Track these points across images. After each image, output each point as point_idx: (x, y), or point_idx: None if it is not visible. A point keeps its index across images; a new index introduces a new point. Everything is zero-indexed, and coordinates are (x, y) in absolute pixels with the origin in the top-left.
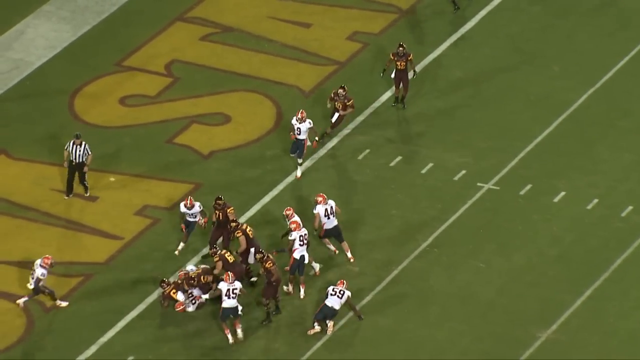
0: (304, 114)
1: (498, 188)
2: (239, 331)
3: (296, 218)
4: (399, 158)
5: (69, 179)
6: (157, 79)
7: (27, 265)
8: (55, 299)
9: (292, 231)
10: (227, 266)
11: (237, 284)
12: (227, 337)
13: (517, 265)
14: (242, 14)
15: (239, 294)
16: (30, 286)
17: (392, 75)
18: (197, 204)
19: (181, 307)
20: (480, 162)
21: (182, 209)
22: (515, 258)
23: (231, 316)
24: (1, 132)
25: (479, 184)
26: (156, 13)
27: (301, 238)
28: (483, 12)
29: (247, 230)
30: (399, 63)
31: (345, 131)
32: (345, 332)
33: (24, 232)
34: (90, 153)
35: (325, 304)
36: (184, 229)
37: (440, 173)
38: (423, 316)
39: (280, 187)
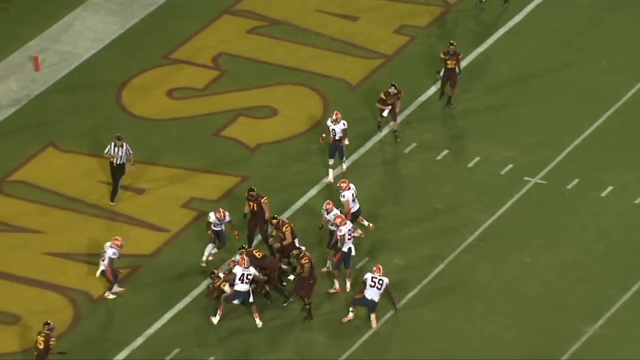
0: (339, 115)
1: (545, 182)
2: (258, 320)
3: (337, 212)
4: (445, 152)
5: (115, 185)
6: (205, 71)
7: (74, 257)
8: (110, 289)
9: (339, 226)
10: (256, 262)
11: (252, 270)
12: (214, 317)
13: (563, 260)
14: (289, 7)
15: (252, 280)
16: (100, 270)
17: (441, 74)
18: (227, 214)
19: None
20: (527, 156)
21: (212, 218)
22: (562, 253)
23: (237, 301)
24: (49, 125)
25: (525, 178)
26: (204, 6)
27: (349, 232)
28: (531, 6)
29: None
30: (449, 62)
31: (392, 124)
32: (390, 325)
33: (71, 224)
34: (131, 152)
35: (364, 296)
36: (212, 235)
37: (487, 167)
38: (469, 310)
39: (326, 180)
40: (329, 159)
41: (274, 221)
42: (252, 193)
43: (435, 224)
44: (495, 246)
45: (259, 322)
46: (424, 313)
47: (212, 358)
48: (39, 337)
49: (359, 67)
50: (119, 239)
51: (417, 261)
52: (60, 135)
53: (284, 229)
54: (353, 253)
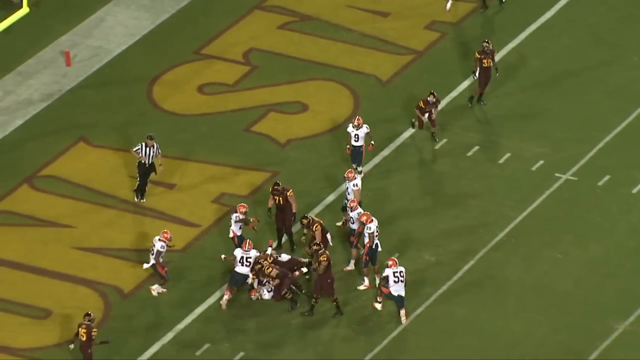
0: (361, 120)
1: (576, 179)
2: (253, 297)
3: (360, 210)
4: (476, 148)
5: (142, 183)
6: (235, 67)
7: (104, 252)
8: (162, 284)
9: (366, 223)
10: (278, 263)
11: (253, 253)
12: (223, 301)
13: (594, 257)
14: (320, 2)
15: (252, 264)
16: (148, 264)
17: (477, 74)
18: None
19: (255, 295)
20: (558, 152)
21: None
22: (593, 249)
23: (235, 285)
24: (80, 120)
25: (556, 174)
26: (235, 1)
27: (377, 229)
28: (562, 2)
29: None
30: (485, 61)
31: (423, 120)
32: (420, 321)
33: (102, 219)
34: (160, 152)
35: (391, 293)
36: (235, 238)
37: (517, 163)
38: (499, 307)
39: (357, 176)
40: (353, 164)
41: (305, 221)
42: (278, 187)
43: (465, 220)
44: (525, 242)
45: (254, 297)
46: (454, 309)
47: (241, 354)
48: (80, 329)
49: (390, 62)
50: (168, 232)
51: (447, 257)
52: (91, 131)
53: (314, 228)
54: (380, 249)
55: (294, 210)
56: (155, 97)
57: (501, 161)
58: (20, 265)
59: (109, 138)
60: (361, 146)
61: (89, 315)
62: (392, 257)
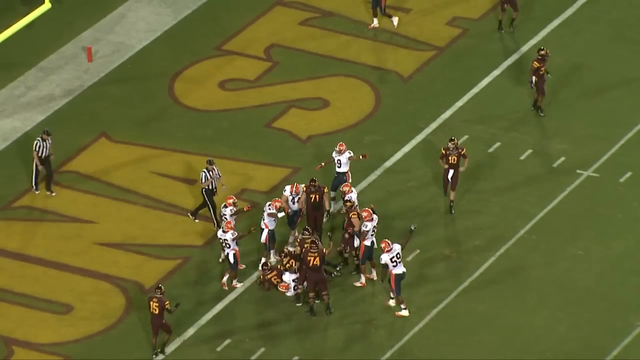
0: (344, 146)
1: (597, 175)
2: (235, 282)
3: (354, 194)
4: (497, 144)
5: (213, 209)
6: (257, 63)
7: (126, 247)
8: (235, 277)
9: (364, 220)
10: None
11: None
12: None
13: (616, 253)
14: None
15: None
16: (231, 254)
17: (533, 84)
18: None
19: (285, 288)
20: (579, 149)
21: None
22: (614, 246)
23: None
24: (102, 115)
25: (578, 171)
26: None
27: (374, 228)
28: None
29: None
30: (542, 68)
31: (444, 116)
32: (441, 317)
33: (124, 214)
34: (220, 174)
35: (395, 276)
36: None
37: (539, 160)
38: (520, 303)
39: (378, 172)
40: (331, 191)
41: (348, 203)
42: (315, 184)
43: (486, 216)
44: (547, 239)
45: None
46: (475, 305)
47: (262, 349)
48: (151, 303)
49: (411, 59)
50: (230, 221)
51: (468, 253)
52: (112, 126)
53: (350, 215)
54: (375, 246)
55: (327, 208)
56: (177, 93)
57: (522, 157)
58: (42, 260)
59: (131, 134)
60: (344, 173)
61: (160, 288)
62: (385, 240)
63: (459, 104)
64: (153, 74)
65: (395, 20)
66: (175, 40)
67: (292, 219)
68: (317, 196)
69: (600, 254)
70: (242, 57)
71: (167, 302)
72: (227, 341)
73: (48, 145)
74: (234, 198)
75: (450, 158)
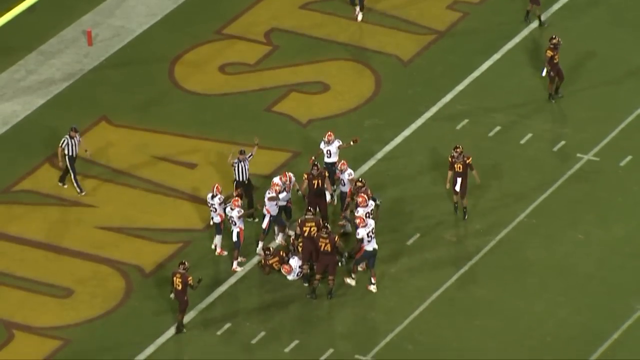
0: (332, 135)
1: (598, 159)
2: (236, 264)
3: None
4: (497, 128)
5: (250, 200)
6: (257, 47)
7: (126, 231)
8: (236, 257)
9: (358, 206)
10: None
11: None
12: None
13: (616, 237)
14: None
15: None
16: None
17: (550, 72)
18: (218, 196)
19: (288, 272)
20: (579, 132)
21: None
22: (615, 230)
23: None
24: (102, 99)
25: (578, 154)
26: None
27: (370, 233)
28: None
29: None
30: (556, 56)
31: (444, 100)
32: (441, 302)
33: (124, 198)
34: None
35: (365, 251)
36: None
37: (539, 143)
38: (520, 287)
39: (378, 156)
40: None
41: (359, 183)
42: (317, 170)
43: (486, 200)
44: (547, 223)
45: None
46: (475, 289)
47: (262, 333)
48: (175, 278)
49: (411, 42)
50: (237, 198)
51: (468, 238)
52: (112, 110)
53: (360, 194)
54: (376, 248)
55: (330, 192)
56: (177, 77)
57: (523, 141)
58: (42, 244)
59: (131, 117)
60: (334, 163)
61: (184, 263)
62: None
63: (460, 87)
64: (153, 57)
65: (360, 15)
66: (176, 24)
67: (278, 218)
68: (319, 181)
69: (600, 238)
70: (242, 41)
71: (190, 278)
72: (228, 325)
73: (76, 142)
74: (220, 188)
75: (456, 166)
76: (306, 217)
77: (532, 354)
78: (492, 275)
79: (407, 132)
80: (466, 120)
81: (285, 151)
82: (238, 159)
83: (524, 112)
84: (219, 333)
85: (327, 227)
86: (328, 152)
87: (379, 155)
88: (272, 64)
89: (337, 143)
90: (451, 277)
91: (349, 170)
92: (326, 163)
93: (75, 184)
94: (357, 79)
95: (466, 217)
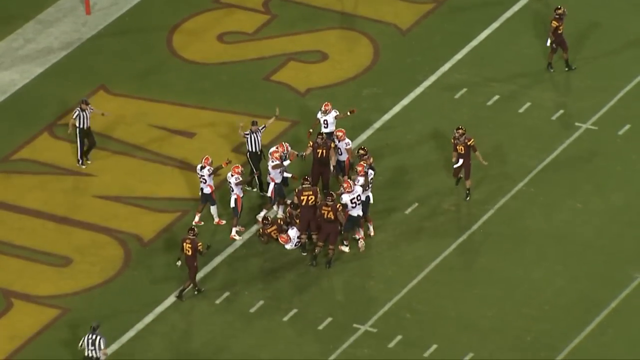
0: (329, 106)
1: (596, 128)
2: (234, 232)
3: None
4: (496, 97)
5: (259, 174)
6: (255, 15)
7: (125, 200)
8: (235, 225)
9: (344, 192)
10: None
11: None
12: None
13: (615, 206)
14: None
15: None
16: (233, 200)
17: (550, 42)
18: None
19: (285, 241)
20: (578, 101)
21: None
22: (613, 198)
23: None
24: (100, 68)
25: (577, 123)
26: None
27: (355, 199)
28: None
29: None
30: (561, 27)
31: (443, 69)
32: (440, 271)
33: (122, 168)
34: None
35: (350, 216)
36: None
37: (537, 112)
38: (519, 256)
39: (376, 125)
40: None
41: (362, 151)
42: (322, 139)
43: (485, 169)
44: (545, 192)
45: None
46: (474, 258)
47: (261, 302)
48: (185, 244)
49: (410, 11)
50: (238, 165)
51: (467, 207)
52: (111, 79)
53: (363, 162)
54: (372, 201)
55: (333, 164)
56: (175, 46)
57: (521, 110)
58: (40, 213)
59: (129, 86)
60: (331, 133)
61: (193, 229)
62: (347, 180)
63: (458, 56)
64: (151, 26)
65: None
66: None
67: (279, 188)
68: (324, 151)
69: (599, 207)
70: (240, 10)
71: (200, 244)
72: (226, 294)
73: (88, 114)
74: (210, 159)
75: (458, 147)
76: (303, 186)
77: (530, 322)
78: (491, 244)
79: (405, 102)
80: (465, 90)
81: (284, 120)
82: (250, 130)
83: (522, 81)
84: (217, 302)
85: (332, 195)
86: (325, 122)
87: (377, 124)
88: (271, 32)
89: (334, 113)
90: (450, 246)
91: (347, 140)
92: (324, 134)
93: (78, 155)
94: (355, 48)
95: (468, 199)
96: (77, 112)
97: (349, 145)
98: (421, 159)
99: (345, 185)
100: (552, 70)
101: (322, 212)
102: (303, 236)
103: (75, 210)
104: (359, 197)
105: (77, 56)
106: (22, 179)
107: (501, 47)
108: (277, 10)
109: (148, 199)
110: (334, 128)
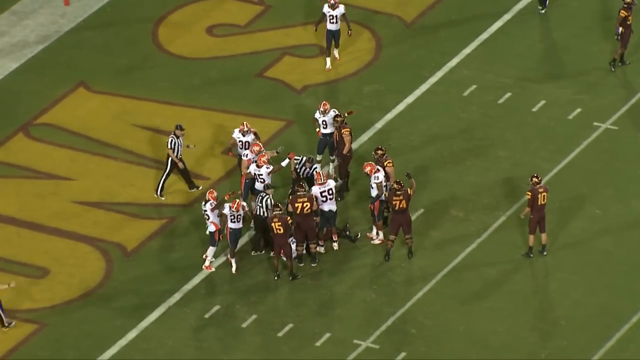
0: (327, 105)
1: (616, 128)
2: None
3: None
4: (508, 95)
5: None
6: (247, 7)
7: (106, 206)
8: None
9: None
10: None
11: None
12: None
13: (636, 212)
14: None
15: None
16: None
17: (619, 34)
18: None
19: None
20: (597, 99)
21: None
22: (634, 204)
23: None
24: (80, 63)
25: (595, 123)
26: None
27: (326, 192)
28: None
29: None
30: (630, 18)
31: (450, 65)
32: (447, 282)
33: (104, 171)
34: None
35: (322, 210)
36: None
37: (553, 111)
38: (532, 266)
39: (379, 125)
40: (317, 155)
41: (380, 152)
42: (339, 119)
43: (496, 172)
44: (561, 197)
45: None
46: (484, 269)
47: (254, 316)
48: (274, 224)
49: (414, 2)
50: (213, 191)
51: (476, 213)
52: (91, 75)
53: (385, 164)
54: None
55: (345, 152)
56: (161, 39)
57: (535, 109)
58: (15, 220)
59: (111, 83)
60: (330, 134)
61: (278, 206)
62: (318, 172)
63: (467, 51)
64: (135, 18)
65: (329, 62)
66: None
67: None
68: (337, 134)
69: (619, 213)
70: (232, 0)
71: (289, 218)
72: (216, 307)
73: (181, 142)
74: (215, 193)
75: (393, 200)
76: (298, 193)
77: (545, 338)
78: (502, 254)
79: (410, 99)
80: (474, 86)
81: (278, 120)
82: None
83: (536, 78)
84: (206, 316)
85: (400, 184)
86: (324, 122)
87: (380, 124)
88: (264, 25)
89: (332, 113)
90: (458, 256)
91: (375, 174)
92: (322, 134)
93: (160, 183)
94: (355, 41)
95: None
96: (171, 139)
97: (378, 179)
98: (426, 161)
99: (316, 176)
100: (613, 70)
101: (394, 202)
102: (300, 248)
103: (52, 217)
104: (330, 192)
105: (55, 50)
106: None
107: (513, 41)
108: (272, 0)
109: (132, 204)
110: (333, 129)
